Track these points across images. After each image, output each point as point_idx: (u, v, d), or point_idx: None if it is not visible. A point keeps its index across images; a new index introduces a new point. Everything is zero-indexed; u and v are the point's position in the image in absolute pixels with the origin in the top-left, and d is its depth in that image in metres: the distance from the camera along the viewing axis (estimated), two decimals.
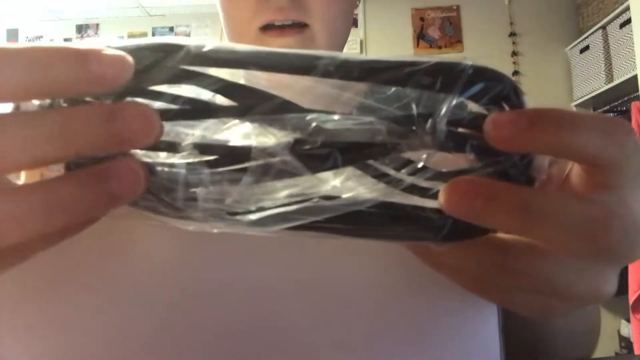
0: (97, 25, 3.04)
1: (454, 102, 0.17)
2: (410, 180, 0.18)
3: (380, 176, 0.18)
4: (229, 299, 0.27)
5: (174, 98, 0.18)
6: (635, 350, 1.73)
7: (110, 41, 0.18)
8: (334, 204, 0.18)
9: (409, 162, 0.18)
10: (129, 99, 0.18)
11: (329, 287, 0.27)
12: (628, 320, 1.99)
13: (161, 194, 0.18)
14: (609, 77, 2.26)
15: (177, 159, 0.18)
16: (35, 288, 0.27)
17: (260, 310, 0.27)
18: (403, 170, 0.18)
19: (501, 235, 0.20)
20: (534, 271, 0.18)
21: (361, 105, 0.18)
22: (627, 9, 1.99)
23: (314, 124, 0.18)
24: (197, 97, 0.18)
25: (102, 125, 0.16)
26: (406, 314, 0.27)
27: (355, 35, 2.72)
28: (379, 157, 0.18)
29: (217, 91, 0.18)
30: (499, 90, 0.18)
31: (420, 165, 0.18)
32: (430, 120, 0.17)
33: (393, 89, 0.18)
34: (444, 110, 0.17)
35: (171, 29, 3.01)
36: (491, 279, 0.20)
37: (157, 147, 0.18)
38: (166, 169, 0.18)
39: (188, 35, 2.98)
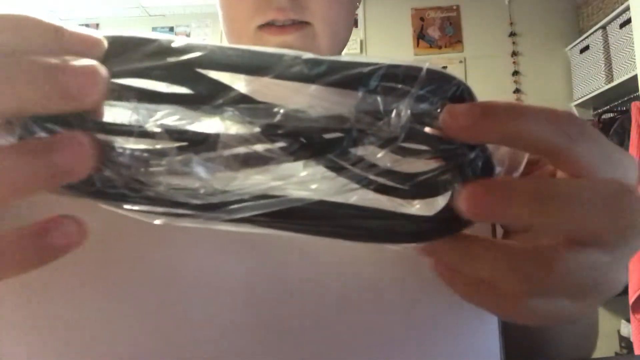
0: (97, 25, 3.04)
1: (414, 98, 0.19)
2: (374, 177, 0.19)
3: (345, 172, 0.19)
4: (226, 297, 0.27)
5: (134, 89, 0.18)
6: (635, 350, 1.73)
7: (87, 30, 0.18)
8: (298, 197, 0.19)
9: (369, 162, 0.19)
10: None
11: (327, 287, 0.27)
12: (628, 320, 1.99)
13: (122, 170, 0.18)
14: (609, 77, 2.26)
15: (144, 144, 0.18)
16: (34, 288, 0.27)
17: (258, 311, 0.27)
18: (367, 167, 0.19)
19: (509, 241, 0.20)
20: (560, 270, 0.18)
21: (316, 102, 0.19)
22: (627, 9, 1.99)
23: (282, 111, 0.18)
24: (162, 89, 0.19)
25: (46, 77, 0.16)
26: (406, 314, 0.27)
27: (355, 35, 2.72)
28: (348, 145, 0.19)
29: (179, 81, 0.19)
30: (452, 90, 0.19)
31: (384, 161, 0.19)
32: (395, 110, 0.18)
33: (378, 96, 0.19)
34: (406, 101, 0.19)
35: (171, 29, 3.01)
36: (513, 286, 0.19)
37: (121, 129, 0.18)
38: (128, 151, 0.18)
39: (188, 35, 2.98)
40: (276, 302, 0.27)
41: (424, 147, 0.19)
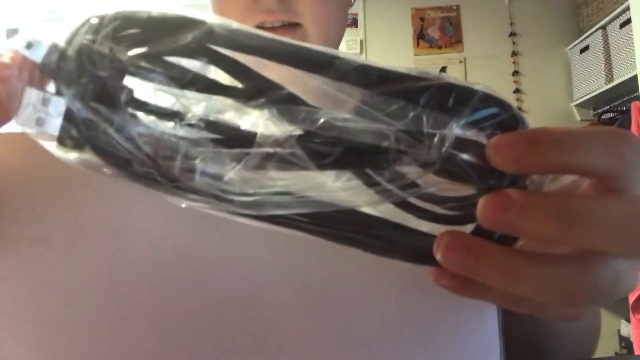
0: None
1: (462, 122, 0.18)
2: (405, 196, 0.18)
3: (378, 187, 0.18)
4: (226, 298, 0.27)
5: (186, 72, 0.18)
6: (635, 350, 1.73)
7: (141, 5, 0.18)
8: (326, 202, 0.19)
9: (405, 178, 0.18)
10: (143, 63, 0.18)
11: (328, 286, 0.27)
12: (628, 320, 1.99)
13: (159, 159, 0.18)
14: (609, 77, 2.26)
15: (182, 131, 0.18)
16: (35, 289, 0.27)
17: (257, 310, 0.27)
18: (400, 185, 0.18)
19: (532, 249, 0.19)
20: (589, 280, 0.18)
21: (361, 110, 0.18)
22: (627, 9, 1.99)
23: (323, 120, 0.18)
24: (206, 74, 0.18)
25: None
26: (406, 314, 0.27)
27: (355, 35, 2.72)
28: (383, 164, 0.18)
29: (228, 71, 0.18)
30: (504, 117, 0.18)
31: (421, 185, 0.18)
32: (438, 136, 0.17)
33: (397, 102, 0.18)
34: (453, 128, 0.17)
35: None
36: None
37: (162, 112, 0.18)
38: (167, 137, 0.18)
39: None
40: (275, 301, 0.27)
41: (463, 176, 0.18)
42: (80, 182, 0.27)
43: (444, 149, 0.17)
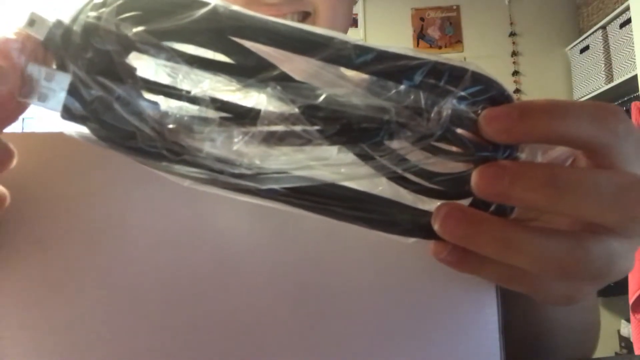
0: None
1: (457, 96, 0.19)
2: (402, 171, 0.19)
3: (374, 162, 0.19)
4: (224, 297, 0.27)
5: (184, 54, 0.18)
6: (635, 350, 1.73)
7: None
8: (327, 176, 0.19)
9: (400, 155, 0.19)
10: (150, 39, 0.18)
11: (325, 285, 0.27)
12: (628, 320, 1.99)
13: (165, 132, 0.18)
14: (609, 77, 2.26)
15: (188, 108, 0.19)
16: (35, 289, 0.27)
17: (253, 306, 0.27)
18: (397, 160, 0.19)
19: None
20: (584, 256, 0.18)
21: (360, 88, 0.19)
22: (627, 9, 1.99)
23: (325, 94, 0.18)
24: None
25: None
26: (404, 313, 0.27)
27: (355, 35, 2.72)
28: (384, 137, 0.19)
29: (226, 53, 0.19)
30: (494, 94, 0.19)
31: (415, 156, 0.19)
32: (436, 108, 0.18)
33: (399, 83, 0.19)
34: (449, 101, 0.18)
35: None
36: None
37: (168, 89, 0.19)
38: (174, 112, 0.19)
39: None
40: (270, 296, 0.27)
41: (457, 150, 0.19)
42: (81, 182, 0.27)
43: (442, 121, 0.18)
